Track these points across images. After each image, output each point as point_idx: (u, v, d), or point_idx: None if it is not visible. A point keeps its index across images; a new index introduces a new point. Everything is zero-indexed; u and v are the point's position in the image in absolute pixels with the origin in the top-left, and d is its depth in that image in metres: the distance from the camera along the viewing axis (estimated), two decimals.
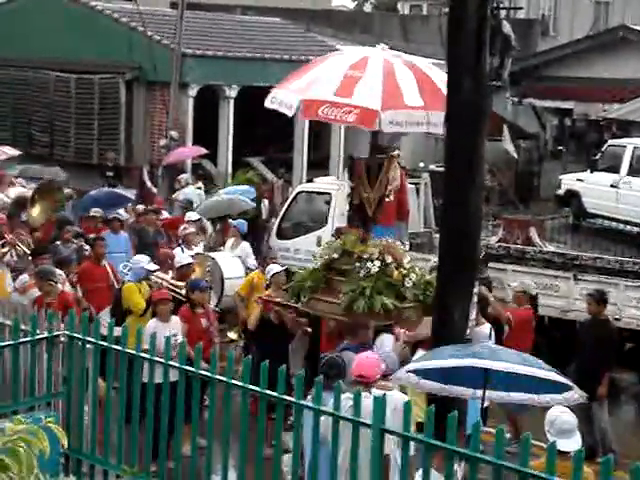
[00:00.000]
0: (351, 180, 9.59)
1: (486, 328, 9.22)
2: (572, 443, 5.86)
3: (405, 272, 9.09)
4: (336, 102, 9.00)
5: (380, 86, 9.09)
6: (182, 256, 12.08)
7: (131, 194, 16.70)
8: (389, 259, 9.05)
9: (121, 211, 14.79)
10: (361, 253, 9.01)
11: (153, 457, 6.79)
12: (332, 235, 13.51)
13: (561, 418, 6.10)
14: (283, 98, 9.77)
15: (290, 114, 9.88)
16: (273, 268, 10.74)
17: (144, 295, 10.40)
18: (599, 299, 10.13)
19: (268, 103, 10.15)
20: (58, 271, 10.50)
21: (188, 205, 16.03)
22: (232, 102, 21.77)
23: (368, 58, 9.47)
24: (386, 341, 8.70)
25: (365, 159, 9.68)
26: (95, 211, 14.21)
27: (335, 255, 9.25)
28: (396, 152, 10.03)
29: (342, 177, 9.38)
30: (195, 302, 9.99)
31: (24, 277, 10.82)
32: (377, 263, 8.90)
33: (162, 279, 11.09)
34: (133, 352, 6.69)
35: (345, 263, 9.13)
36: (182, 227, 13.48)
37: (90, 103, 22.11)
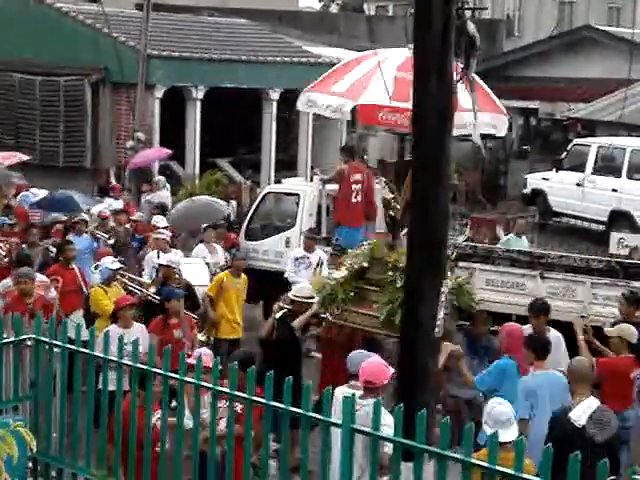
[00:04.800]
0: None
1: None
2: (509, 434, 6.01)
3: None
4: (396, 107, 8.68)
5: None
6: (159, 258, 12.03)
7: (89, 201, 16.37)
8: None
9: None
10: (395, 262, 8.51)
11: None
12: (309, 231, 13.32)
13: (497, 409, 6.27)
14: (329, 102, 9.40)
15: (344, 118, 9.59)
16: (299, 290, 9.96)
17: (112, 297, 10.36)
18: (633, 300, 9.75)
19: (304, 107, 9.82)
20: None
21: (159, 209, 15.85)
22: (199, 103, 21.72)
23: (410, 58, 9.29)
24: None
25: (394, 162, 9.53)
26: (54, 216, 14.31)
27: (365, 264, 8.83)
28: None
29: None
30: (169, 312, 9.77)
31: (6, 281, 10.74)
32: None
33: (129, 279, 11.07)
34: (100, 355, 6.65)
35: (377, 272, 8.70)
36: (154, 233, 13.32)
37: (55, 105, 21.96)
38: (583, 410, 6.77)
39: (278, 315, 9.86)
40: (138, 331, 9.30)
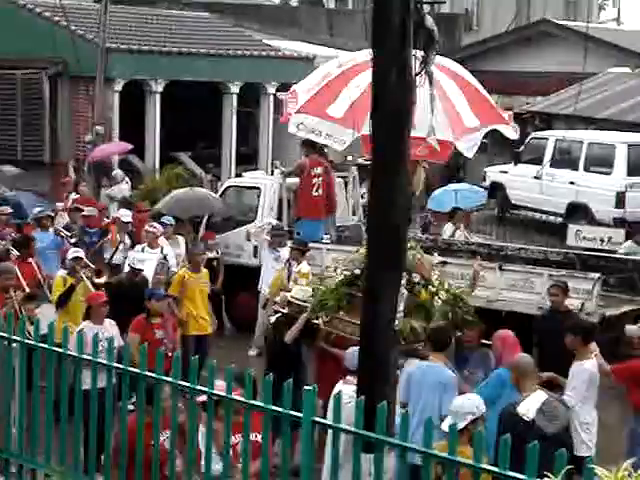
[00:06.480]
0: None
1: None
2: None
3: (434, 290, 8.68)
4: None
5: (442, 113, 8.40)
6: (137, 255, 11.95)
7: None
8: (417, 278, 8.57)
9: None
10: None
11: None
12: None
13: (456, 402, 6.48)
14: (327, 130, 9.10)
15: (341, 149, 9.46)
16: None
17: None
18: (566, 290, 9.97)
19: (295, 129, 9.55)
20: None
21: (122, 203, 15.74)
22: (158, 97, 21.60)
23: None
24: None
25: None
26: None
27: (357, 271, 8.65)
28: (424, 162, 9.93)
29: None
30: (151, 311, 9.63)
31: None
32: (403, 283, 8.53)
33: (84, 272, 11.00)
34: (60, 350, 6.60)
35: None
36: (147, 226, 12.96)
37: (12, 99, 21.69)
38: (531, 404, 6.81)
39: (272, 320, 9.52)
40: (110, 327, 9.16)
